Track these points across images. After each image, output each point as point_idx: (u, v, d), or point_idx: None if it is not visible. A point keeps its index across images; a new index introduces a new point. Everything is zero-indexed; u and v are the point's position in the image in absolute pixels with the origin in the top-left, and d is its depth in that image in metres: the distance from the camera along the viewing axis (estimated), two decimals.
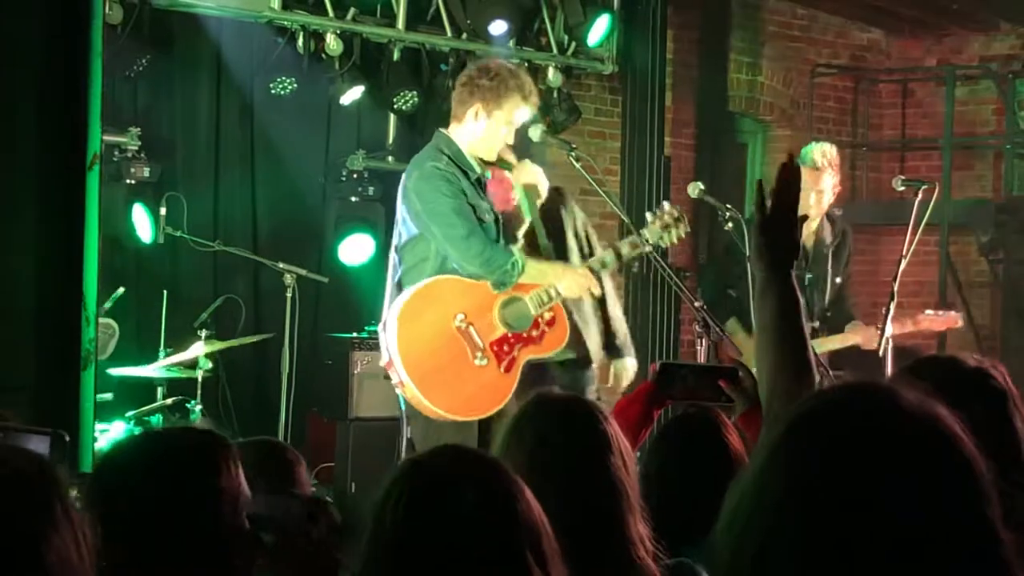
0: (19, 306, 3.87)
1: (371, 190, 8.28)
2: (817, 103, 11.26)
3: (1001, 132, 11.10)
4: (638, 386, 3.69)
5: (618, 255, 5.68)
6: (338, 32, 7.75)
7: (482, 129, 5.62)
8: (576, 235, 5.94)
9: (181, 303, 7.33)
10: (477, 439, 5.55)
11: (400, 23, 8.04)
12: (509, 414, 4.19)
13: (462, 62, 8.31)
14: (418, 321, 5.53)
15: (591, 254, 5.85)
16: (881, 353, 6.38)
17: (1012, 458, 2.45)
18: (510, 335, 5.60)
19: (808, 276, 6.87)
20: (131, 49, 7.10)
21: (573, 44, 8.79)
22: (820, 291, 6.97)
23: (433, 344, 5.52)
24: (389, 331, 5.53)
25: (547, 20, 8.67)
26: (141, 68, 7.26)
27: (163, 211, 7.41)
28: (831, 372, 6.30)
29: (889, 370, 6.33)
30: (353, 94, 7.93)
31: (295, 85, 7.67)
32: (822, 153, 6.89)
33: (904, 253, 6.45)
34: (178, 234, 7.43)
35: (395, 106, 8.13)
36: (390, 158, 8.55)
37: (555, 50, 8.71)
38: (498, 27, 8.19)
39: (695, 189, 6.35)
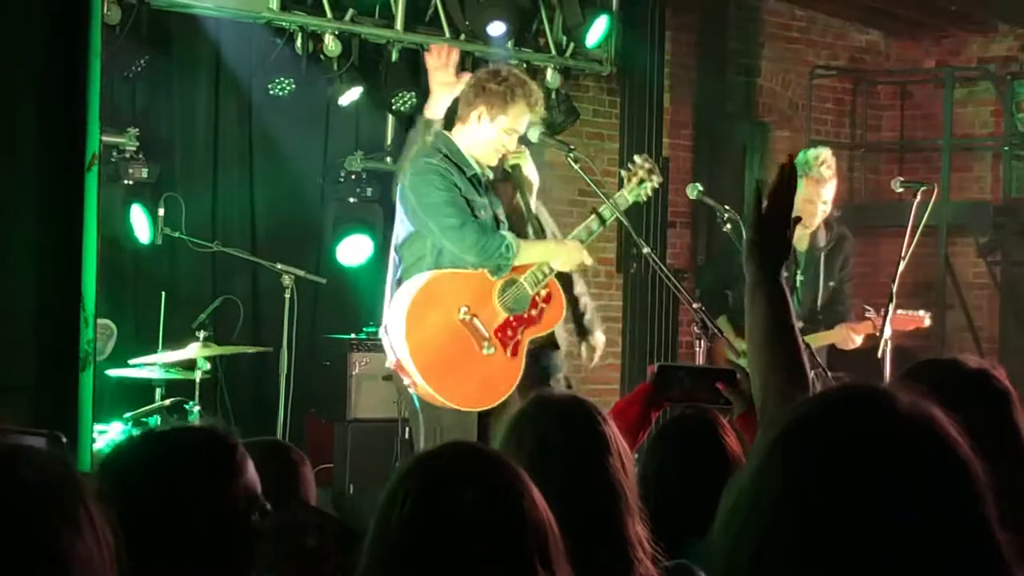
0: (18, 306, 3.87)
1: (369, 191, 8.28)
2: (816, 104, 11.26)
3: (999, 134, 11.11)
4: (636, 388, 3.70)
5: (602, 220, 5.75)
6: (336, 33, 7.75)
7: (484, 132, 5.65)
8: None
9: (179, 304, 7.33)
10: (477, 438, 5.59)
11: (398, 24, 8.03)
12: (510, 410, 4.20)
13: (460, 63, 8.32)
14: (424, 321, 5.57)
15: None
16: (880, 355, 6.39)
17: (1015, 459, 2.45)
18: (512, 319, 5.65)
19: (800, 278, 6.88)
20: (129, 49, 7.09)
21: (571, 45, 8.79)
22: (811, 293, 6.97)
23: (441, 341, 5.57)
24: (396, 334, 5.56)
25: (545, 21, 8.66)
26: (139, 69, 7.26)
27: (161, 212, 7.40)
28: (829, 374, 6.31)
29: (888, 372, 6.34)
30: (351, 95, 7.93)
31: (293, 86, 7.66)
32: (826, 163, 6.87)
33: (903, 255, 6.45)
34: (176, 235, 7.42)
35: (393, 107, 8.13)
36: (388, 159, 8.54)
37: (553, 51, 8.71)
38: (496, 28, 8.19)
39: (693, 190, 6.35)
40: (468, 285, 5.62)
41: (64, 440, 2.46)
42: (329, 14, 7.73)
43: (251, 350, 7.15)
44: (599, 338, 6.06)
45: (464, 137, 5.70)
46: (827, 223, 7.16)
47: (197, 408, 6.62)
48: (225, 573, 2.30)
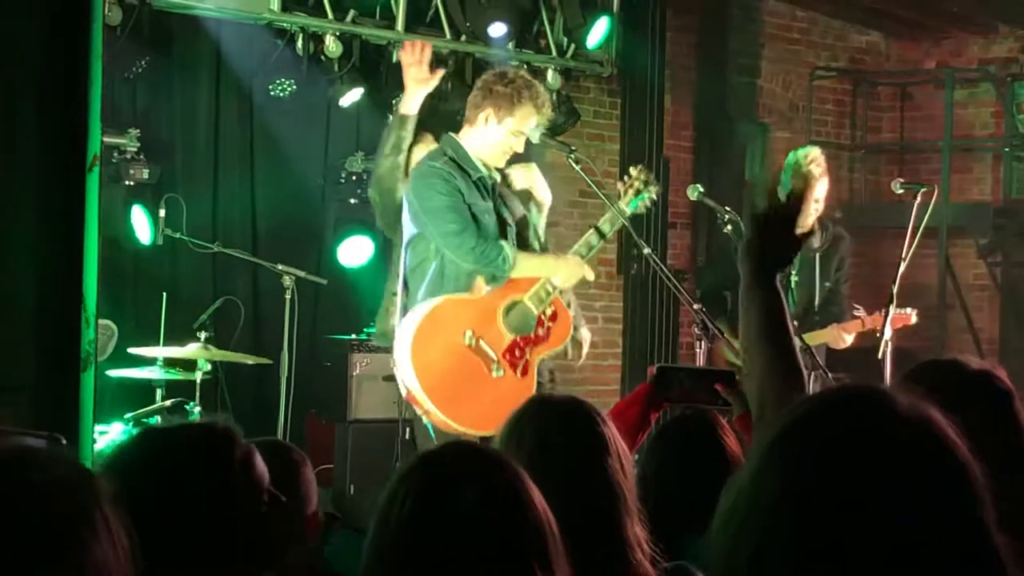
0: (19, 307, 3.87)
1: (370, 192, 8.27)
2: (816, 106, 11.27)
3: (1000, 135, 11.11)
4: (635, 389, 3.70)
5: (601, 235, 5.74)
6: (337, 34, 7.75)
7: (491, 134, 5.67)
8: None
9: (180, 305, 7.33)
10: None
11: (399, 25, 8.03)
12: None
13: (461, 64, 8.33)
14: (430, 349, 5.57)
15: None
16: (880, 356, 6.39)
17: (1016, 460, 2.45)
18: (519, 339, 5.66)
19: (795, 279, 6.88)
20: (130, 50, 7.09)
21: (572, 46, 8.79)
22: (806, 294, 6.97)
23: (449, 367, 5.57)
24: (404, 366, 5.54)
25: (546, 22, 8.66)
26: (140, 69, 7.26)
27: (162, 212, 7.40)
28: (830, 375, 6.31)
29: (888, 373, 6.34)
30: (352, 96, 7.93)
31: (294, 87, 7.67)
32: (815, 162, 6.91)
33: (903, 256, 6.45)
34: (177, 236, 7.42)
35: (394, 108, 8.12)
36: None
37: (554, 52, 8.71)
38: (497, 29, 8.19)
39: (694, 191, 6.36)
40: (471, 309, 5.63)
41: (64, 442, 2.46)
42: (330, 15, 7.73)
43: (251, 361, 7.14)
44: (584, 334, 6.08)
45: (471, 139, 5.73)
46: (821, 223, 7.17)
47: (198, 409, 6.62)
48: (233, 569, 2.31)
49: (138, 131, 7.41)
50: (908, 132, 11.66)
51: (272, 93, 7.68)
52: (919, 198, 6.55)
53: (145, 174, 7.40)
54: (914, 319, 7.14)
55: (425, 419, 5.58)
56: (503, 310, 5.66)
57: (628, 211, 5.76)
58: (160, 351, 6.66)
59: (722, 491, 1.59)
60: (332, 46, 7.72)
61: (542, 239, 5.93)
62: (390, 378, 6.15)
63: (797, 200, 2.68)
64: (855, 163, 11.64)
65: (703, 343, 5.90)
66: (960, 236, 10.75)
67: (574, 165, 5.69)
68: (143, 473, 2.32)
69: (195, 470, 2.32)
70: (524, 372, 5.65)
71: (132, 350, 6.66)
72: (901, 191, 6.87)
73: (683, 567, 2.83)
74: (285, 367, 7.33)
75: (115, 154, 7.29)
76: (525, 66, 8.51)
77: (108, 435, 6.35)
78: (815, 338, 6.76)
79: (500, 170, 5.83)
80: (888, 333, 6.41)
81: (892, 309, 6.44)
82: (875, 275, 10.79)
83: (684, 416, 3.60)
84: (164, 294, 7.02)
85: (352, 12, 7.83)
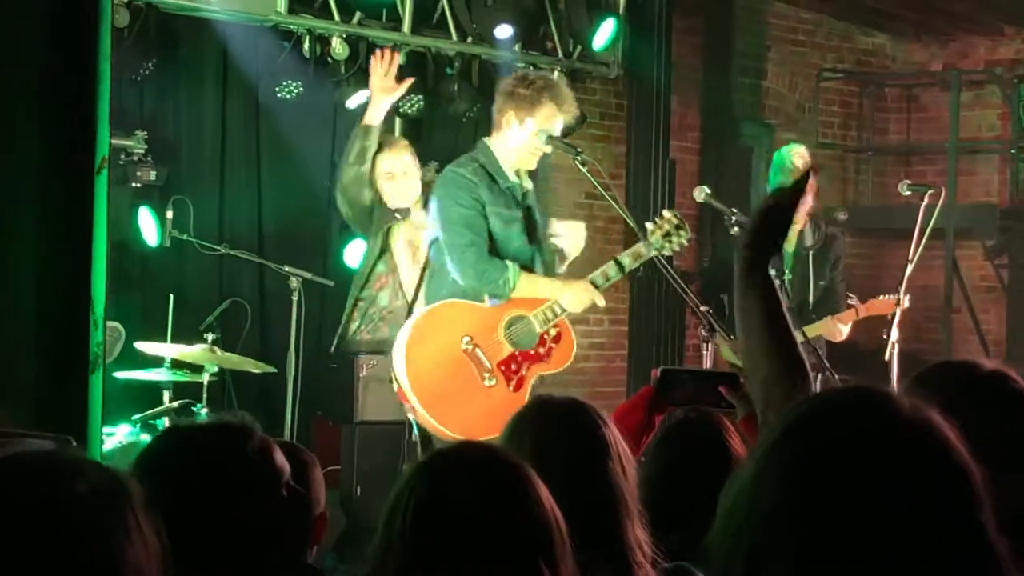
0: (27, 309, 3.88)
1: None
2: (822, 107, 11.27)
3: (1006, 137, 11.11)
4: (639, 391, 3.70)
5: (620, 267, 5.73)
6: (344, 36, 7.75)
7: (515, 137, 5.71)
8: None
9: (187, 306, 7.33)
10: None
11: (405, 27, 8.03)
12: None
13: (467, 66, 8.33)
14: (424, 347, 5.63)
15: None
16: (887, 358, 6.39)
17: None
18: (517, 354, 5.69)
19: (788, 277, 6.88)
20: (137, 53, 7.10)
21: (578, 48, 8.79)
22: (800, 293, 6.97)
23: (441, 369, 5.62)
24: (397, 359, 5.64)
25: (552, 24, 8.66)
26: (147, 72, 7.27)
27: (169, 214, 7.40)
28: (836, 376, 6.32)
29: (895, 374, 6.34)
30: (359, 98, 7.93)
31: (301, 89, 7.68)
32: (798, 155, 6.95)
33: (910, 258, 6.46)
34: (184, 237, 7.42)
35: (400, 110, 8.13)
36: None
37: (560, 54, 8.71)
38: (503, 31, 8.20)
39: (701, 193, 6.37)
40: (474, 316, 5.66)
41: (73, 443, 2.47)
42: (337, 17, 7.74)
43: (256, 369, 7.14)
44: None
45: (499, 145, 5.79)
46: (814, 222, 7.19)
47: (205, 410, 6.63)
48: (256, 562, 2.32)
49: (145, 133, 7.41)
50: (914, 134, 11.65)
51: (279, 95, 7.69)
52: (926, 200, 6.56)
53: (152, 176, 7.41)
54: (906, 303, 7.18)
55: (411, 415, 5.65)
56: (507, 322, 5.69)
57: (648, 253, 5.71)
58: (167, 348, 6.66)
59: (722, 491, 1.59)
60: (339, 48, 7.73)
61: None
62: None
63: (799, 190, 2.68)
64: (861, 165, 11.63)
65: (710, 345, 5.90)
66: (967, 238, 10.74)
67: (580, 167, 5.69)
68: (168, 470, 2.34)
69: (217, 463, 2.35)
70: (518, 387, 5.67)
71: (139, 345, 6.66)
72: (908, 193, 6.89)
73: (684, 568, 2.83)
74: (292, 369, 7.32)
75: (122, 156, 7.29)
76: (531, 68, 8.52)
77: (115, 436, 6.36)
78: (811, 331, 6.76)
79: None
80: (895, 335, 6.42)
81: (900, 311, 6.44)
82: (882, 277, 10.79)
83: (689, 418, 3.60)
84: (171, 296, 7.03)
85: (358, 14, 7.84)
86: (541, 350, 5.72)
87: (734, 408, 3.48)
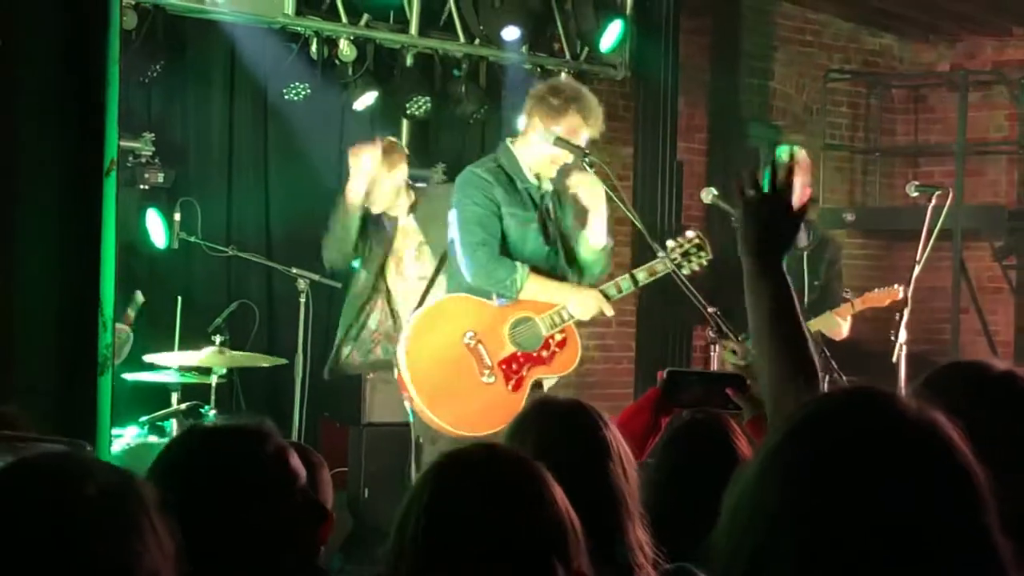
0: (36, 311, 3.88)
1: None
2: (830, 108, 11.26)
3: (1014, 137, 11.09)
4: (645, 393, 3.70)
5: (635, 281, 5.74)
6: (351, 38, 7.77)
7: (538, 142, 5.72)
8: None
9: (195, 308, 7.34)
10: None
11: (413, 29, 8.05)
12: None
13: (475, 67, 8.34)
14: (427, 338, 5.70)
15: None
16: (895, 359, 6.38)
17: None
18: (519, 354, 5.72)
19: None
20: (145, 55, 7.12)
21: (585, 50, 8.79)
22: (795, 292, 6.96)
23: (441, 360, 5.67)
24: (400, 347, 5.72)
25: (559, 26, 8.67)
26: (155, 74, 7.28)
27: (177, 216, 7.42)
28: (844, 378, 6.31)
29: (903, 376, 6.33)
30: (366, 99, 7.95)
31: (308, 90, 7.69)
32: (789, 154, 6.99)
33: (918, 259, 6.45)
34: (192, 239, 7.44)
35: (408, 111, 8.15)
36: None
37: (567, 56, 8.72)
38: (510, 33, 8.20)
39: (708, 195, 6.37)
40: (480, 312, 5.71)
41: (88, 447, 2.48)
42: (344, 19, 7.76)
43: (266, 363, 7.15)
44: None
45: (521, 147, 5.83)
46: (807, 223, 7.21)
47: (213, 412, 6.64)
48: (270, 562, 2.34)
49: (153, 135, 7.43)
50: (922, 135, 11.64)
51: (286, 97, 7.70)
52: (933, 201, 6.55)
53: (160, 178, 7.43)
54: (901, 294, 7.20)
55: (408, 404, 5.70)
56: (512, 321, 5.72)
57: (664, 269, 5.69)
58: (175, 357, 6.66)
59: (726, 490, 1.60)
60: (346, 50, 7.74)
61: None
62: None
63: (786, 177, 2.68)
64: (869, 166, 11.62)
65: (717, 346, 5.90)
66: (974, 239, 10.72)
67: (588, 168, 5.69)
68: (184, 471, 2.36)
69: (231, 466, 2.36)
70: (516, 387, 5.70)
71: (148, 358, 6.66)
72: (915, 194, 6.87)
73: (686, 569, 2.83)
74: (299, 370, 7.34)
75: (130, 158, 7.31)
76: (539, 69, 8.53)
77: (123, 439, 6.37)
78: (810, 326, 6.76)
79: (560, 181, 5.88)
80: (903, 336, 6.40)
81: (907, 312, 6.43)
82: (890, 278, 10.76)
83: (695, 420, 3.60)
84: (179, 298, 7.04)
85: (366, 16, 7.86)
86: (544, 353, 5.75)
87: (741, 410, 3.48)
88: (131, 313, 6.84)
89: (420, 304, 6.28)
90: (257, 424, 2.50)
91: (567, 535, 2.11)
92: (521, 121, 5.88)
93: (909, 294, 6.46)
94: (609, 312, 5.79)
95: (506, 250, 5.76)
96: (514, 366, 5.70)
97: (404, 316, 6.51)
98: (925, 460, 1.50)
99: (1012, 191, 11.09)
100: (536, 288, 5.69)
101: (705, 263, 5.79)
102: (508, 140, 5.96)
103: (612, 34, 8.74)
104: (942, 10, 10.67)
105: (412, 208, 6.73)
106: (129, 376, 6.59)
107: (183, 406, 6.69)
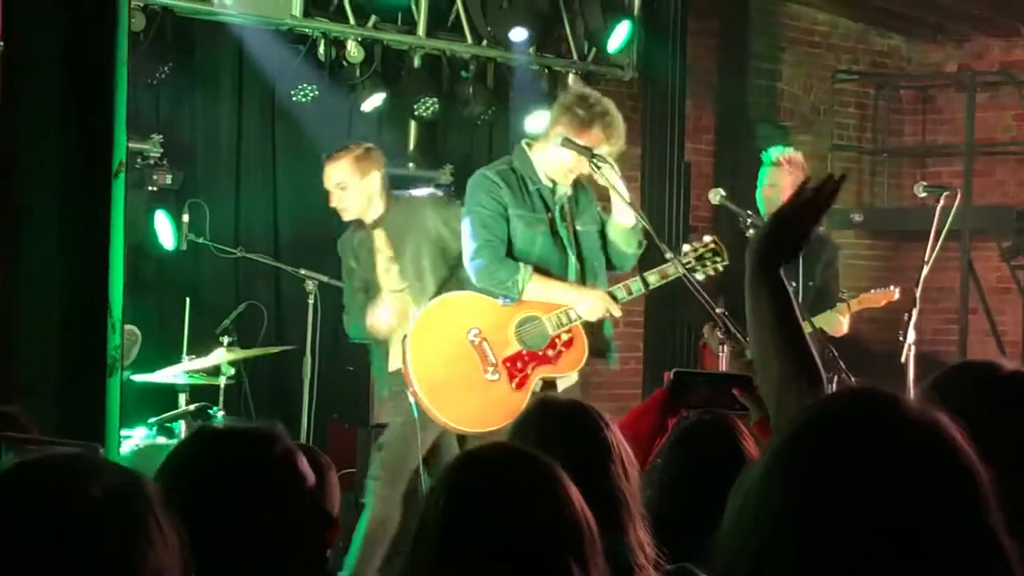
0: (45, 313, 3.89)
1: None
2: (837, 109, 11.25)
3: (1022, 138, 11.08)
4: (651, 395, 3.70)
5: (645, 284, 5.74)
6: (359, 39, 7.77)
7: (556, 152, 5.73)
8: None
9: (203, 310, 7.35)
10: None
11: (420, 30, 8.05)
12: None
13: (482, 69, 8.34)
14: (432, 333, 5.74)
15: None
16: (903, 360, 6.38)
17: None
18: (524, 353, 5.73)
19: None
20: (153, 56, 7.13)
21: (593, 51, 8.80)
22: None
23: (445, 356, 5.72)
24: (406, 342, 5.74)
25: (567, 27, 8.67)
26: (163, 75, 7.29)
27: (185, 218, 7.43)
28: (852, 378, 6.31)
29: (911, 376, 6.33)
30: (374, 101, 7.96)
31: (316, 92, 7.69)
32: (783, 155, 7.05)
33: (926, 259, 6.44)
34: (200, 241, 7.44)
35: (416, 113, 8.16)
36: (411, 164, 8.57)
37: (575, 57, 8.72)
38: (518, 34, 8.21)
39: (716, 195, 6.37)
40: (486, 310, 5.73)
41: (101, 450, 2.48)
42: (352, 20, 7.76)
43: (275, 350, 7.18)
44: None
45: (540, 151, 5.84)
46: None
47: (221, 413, 6.65)
48: (277, 564, 2.34)
49: (161, 137, 7.44)
50: (930, 135, 11.63)
51: (294, 98, 7.70)
52: (941, 201, 6.54)
53: (168, 180, 7.44)
54: (897, 295, 7.20)
55: (411, 398, 5.75)
56: (519, 320, 5.74)
57: (676, 273, 5.67)
58: (185, 366, 6.69)
59: (731, 492, 1.60)
60: (354, 51, 7.75)
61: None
62: None
63: (834, 190, 2.67)
64: (877, 167, 11.61)
65: (725, 347, 5.90)
66: (982, 239, 10.71)
67: (595, 169, 5.70)
68: (192, 472, 2.37)
69: (239, 467, 2.37)
70: (520, 385, 5.71)
71: (155, 376, 6.67)
72: (923, 194, 6.88)
73: (687, 569, 2.83)
74: (308, 371, 7.35)
75: (138, 160, 7.32)
76: (546, 70, 8.53)
77: (132, 440, 6.38)
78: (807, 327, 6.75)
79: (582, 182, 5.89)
80: (911, 337, 6.40)
81: (915, 313, 6.42)
82: (898, 279, 10.75)
83: (703, 421, 3.60)
84: (187, 299, 7.05)
85: (373, 17, 7.86)
86: (550, 352, 5.76)
87: (748, 410, 3.48)
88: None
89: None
90: (266, 427, 2.51)
91: (583, 535, 2.12)
92: (536, 122, 5.89)
93: (918, 295, 6.46)
94: (616, 313, 5.80)
95: (514, 251, 5.78)
96: (519, 364, 5.72)
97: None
98: (927, 461, 1.50)
99: (1020, 191, 11.07)
100: (540, 289, 5.71)
101: (721, 268, 5.78)
102: (524, 142, 5.97)
103: (620, 35, 8.74)
104: (950, 11, 10.66)
105: (381, 221, 6.54)
106: (138, 377, 6.60)
107: (191, 407, 6.71)
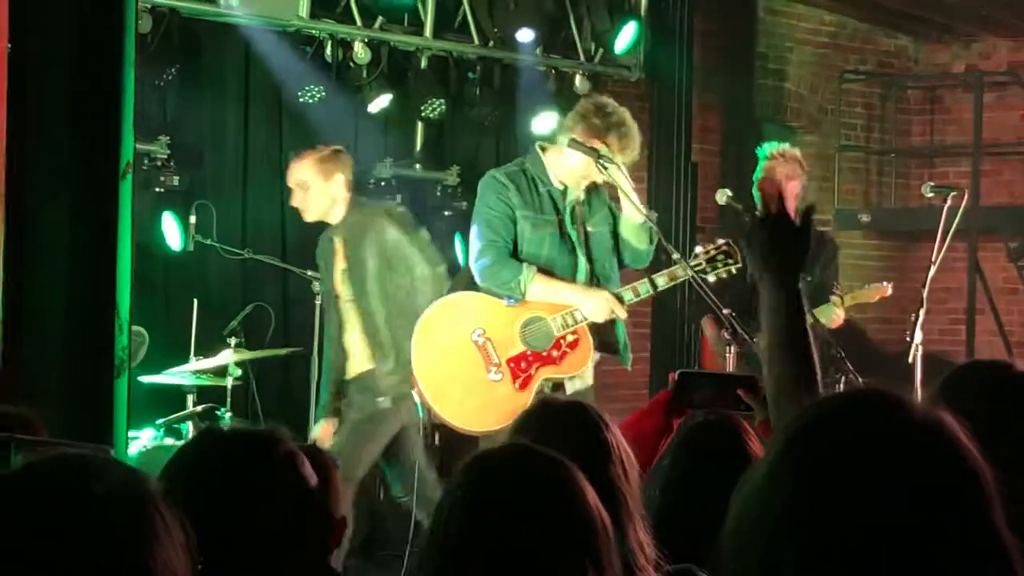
0: (53, 314, 3.90)
1: (398, 197, 8.30)
2: (845, 109, 11.24)
3: None
4: (655, 396, 3.70)
5: (654, 286, 5.74)
6: (366, 40, 7.78)
7: (568, 158, 5.75)
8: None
9: (211, 311, 7.35)
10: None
11: (427, 31, 8.05)
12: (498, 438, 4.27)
13: (489, 70, 8.34)
14: (436, 332, 5.79)
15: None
16: (911, 360, 6.38)
17: None
18: (528, 353, 5.75)
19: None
20: (160, 58, 7.13)
21: (600, 51, 8.80)
22: None
23: (448, 355, 5.75)
24: (412, 342, 5.79)
25: (574, 27, 8.67)
26: (170, 77, 7.30)
27: (192, 219, 7.43)
28: (859, 377, 6.31)
29: (919, 377, 6.33)
30: (381, 102, 7.96)
31: (323, 93, 7.70)
32: (777, 149, 7.08)
33: (933, 259, 6.44)
34: (207, 242, 7.45)
35: (422, 114, 8.16)
36: (417, 166, 8.58)
37: (582, 57, 8.72)
38: (525, 35, 8.21)
39: (722, 196, 6.36)
40: (491, 310, 5.76)
41: (111, 452, 2.50)
42: (358, 22, 7.77)
43: (282, 351, 7.18)
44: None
45: (553, 155, 5.85)
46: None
47: (228, 414, 6.65)
48: (277, 563, 2.35)
49: (168, 138, 7.44)
50: (937, 135, 11.62)
51: (301, 99, 7.71)
52: (949, 201, 6.55)
53: (175, 181, 7.45)
54: (889, 291, 7.19)
55: (416, 397, 5.85)
56: (524, 320, 5.76)
57: (685, 275, 5.67)
58: (193, 366, 6.69)
59: (734, 492, 1.60)
60: (361, 52, 7.75)
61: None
62: None
63: (778, 206, 2.69)
64: (884, 167, 11.60)
65: (732, 347, 5.90)
66: (990, 239, 10.70)
67: (602, 170, 5.70)
68: (195, 471, 2.38)
69: (241, 468, 2.39)
70: (523, 386, 5.73)
71: (162, 377, 6.68)
72: (931, 195, 6.89)
73: (688, 570, 2.83)
74: (315, 373, 7.35)
75: (145, 161, 7.32)
76: (553, 71, 8.54)
77: (139, 441, 6.39)
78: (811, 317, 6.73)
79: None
80: (918, 337, 6.40)
81: (922, 314, 6.42)
82: (905, 279, 10.75)
83: (708, 421, 3.59)
84: (195, 300, 7.05)
85: (380, 19, 7.86)
86: (555, 353, 5.77)
87: (752, 411, 3.48)
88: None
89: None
90: (269, 429, 2.53)
91: (599, 536, 2.12)
92: (543, 123, 5.90)
93: (925, 295, 6.45)
94: (622, 315, 5.79)
95: (522, 253, 5.79)
96: (523, 364, 5.74)
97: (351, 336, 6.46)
98: (927, 460, 1.50)
99: None
100: (543, 289, 5.72)
101: (734, 271, 5.76)
102: (538, 145, 5.99)
103: (626, 36, 8.75)
104: (957, 11, 10.65)
105: (342, 226, 6.51)
106: (145, 378, 6.61)
107: (199, 408, 6.72)
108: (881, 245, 11.26)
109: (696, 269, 5.62)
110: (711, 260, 5.72)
